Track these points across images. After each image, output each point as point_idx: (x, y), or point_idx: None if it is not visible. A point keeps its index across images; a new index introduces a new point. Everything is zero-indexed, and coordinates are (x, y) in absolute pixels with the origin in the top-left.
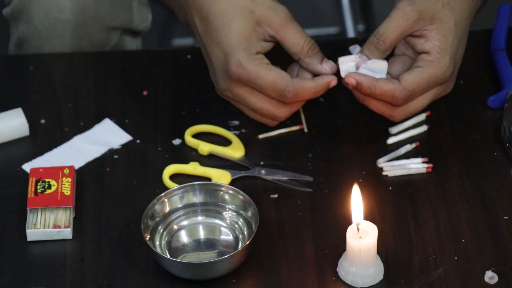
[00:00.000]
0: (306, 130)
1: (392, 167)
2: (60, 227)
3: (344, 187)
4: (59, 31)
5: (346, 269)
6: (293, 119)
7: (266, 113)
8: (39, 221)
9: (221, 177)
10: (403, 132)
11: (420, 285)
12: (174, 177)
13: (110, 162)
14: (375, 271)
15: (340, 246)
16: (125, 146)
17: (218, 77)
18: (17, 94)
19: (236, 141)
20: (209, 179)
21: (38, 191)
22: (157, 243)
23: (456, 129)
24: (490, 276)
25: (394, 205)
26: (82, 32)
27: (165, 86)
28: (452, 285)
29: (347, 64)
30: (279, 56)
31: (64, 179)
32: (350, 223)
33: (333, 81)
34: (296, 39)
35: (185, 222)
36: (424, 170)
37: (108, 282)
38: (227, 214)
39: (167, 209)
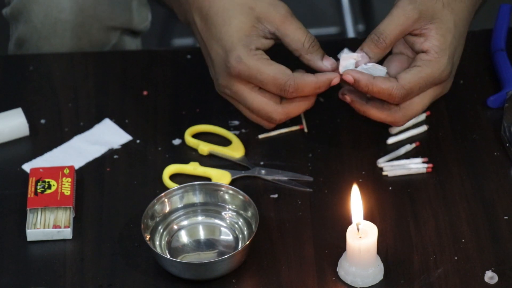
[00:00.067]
0: (306, 130)
1: (392, 167)
2: (60, 227)
3: (344, 187)
4: (58, 31)
5: (346, 269)
6: (293, 119)
7: (263, 114)
8: (39, 221)
9: (221, 177)
10: (403, 132)
11: (420, 285)
12: (174, 177)
13: (110, 162)
14: (375, 271)
15: (340, 246)
16: (125, 146)
17: (218, 74)
18: (17, 94)
19: (236, 141)
20: (209, 179)
21: (38, 191)
22: (157, 243)
23: (456, 129)
24: (490, 276)
25: (394, 205)
26: (81, 32)
27: (165, 86)
28: (452, 285)
29: (347, 61)
30: (279, 53)
31: (64, 179)
32: (350, 223)
33: (335, 79)
34: (297, 35)
35: (185, 222)
36: (424, 170)
37: (108, 282)
38: (227, 214)
39: (167, 209)
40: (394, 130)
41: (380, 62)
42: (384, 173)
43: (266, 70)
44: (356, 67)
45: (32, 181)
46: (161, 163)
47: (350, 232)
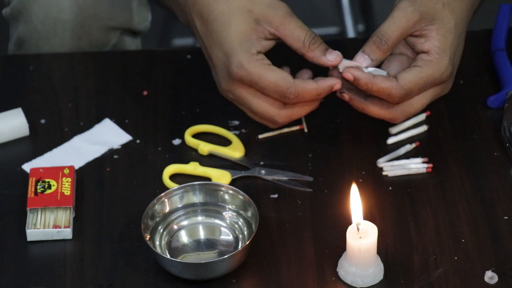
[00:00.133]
0: (306, 130)
1: (392, 167)
2: (60, 227)
3: (344, 187)
4: (58, 31)
5: (346, 269)
6: None
7: (266, 117)
8: (39, 221)
9: (221, 177)
10: (403, 132)
11: (420, 285)
12: (174, 177)
13: (110, 162)
14: (375, 271)
15: (340, 246)
16: (125, 146)
17: (221, 78)
18: (17, 94)
19: (236, 141)
20: (209, 179)
21: (38, 191)
22: (157, 243)
23: (456, 129)
24: (490, 276)
25: (394, 205)
26: (81, 32)
27: (165, 86)
28: (452, 285)
29: (347, 63)
30: (279, 54)
31: (64, 179)
32: (350, 223)
33: (337, 85)
34: (296, 34)
35: (185, 222)
36: (424, 170)
37: (108, 282)
38: (227, 214)
39: (167, 209)
40: (394, 130)
41: (381, 63)
42: (384, 173)
43: (268, 77)
44: None
45: (32, 181)
46: (161, 163)
47: (350, 232)
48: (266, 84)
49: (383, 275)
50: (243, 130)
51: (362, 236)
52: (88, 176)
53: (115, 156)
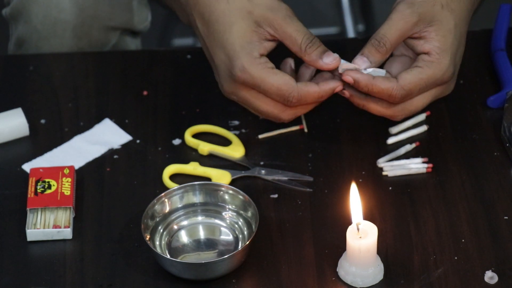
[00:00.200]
0: (306, 130)
1: (392, 167)
2: (60, 227)
3: (344, 187)
4: (58, 32)
5: (346, 269)
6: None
7: (271, 116)
8: (39, 221)
9: (221, 177)
10: (403, 132)
11: (420, 285)
12: (174, 177)
13: (110, 162)
14: (375, 271)
15: (340, 246)
16: (125, 146)
17: (223, 79)
18: (17, 94)
19: (236, 141)
20: (209, 179)
21: (38, 191)
22: (157, 243)
23: (456, 129)
24: (490, 276)
25: (394, 205)
26: (81, 32)
27: (165, 86)
28: (452, 285)
29: (346, 65)
30: (279, 55)
31: (64, 179)
32: (350, 223)
33: (338, 87)
34: (294, 37)
35: (185, 222)
36: (424, 170)
37: (108, 282)
38: (227, 214)
39: (167, 209)
40: (394, 130)
41: (381, 65)
42: (384, 173)
43: (270, 80)
44: None
45: (32, 181)
46: (161, 163)
47: (350, 232)
48: (269, 88)
49: (383, 275)
50: (243, 130)
51: (362, 236)
52: (88, 176)
53: (115, 156)
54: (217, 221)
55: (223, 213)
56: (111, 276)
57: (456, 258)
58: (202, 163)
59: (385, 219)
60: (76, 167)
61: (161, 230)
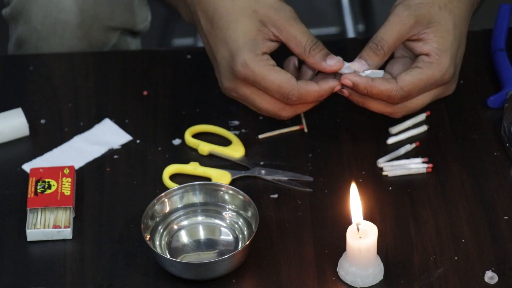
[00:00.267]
0: (306, 130)
1: (392, 167)
2: (60, 227)
3: (344, 187)
4: (58, 32)
5: (346, 269)
6: (293, 119)
7: (272, 113)
8: (39, 221)
9: (221, 177)
10: (403, 132)
11: (420, 285)
12: (174, 177)
13: (110, 162)
14: (375, 271)
15: (340, 246)
16: (125, 146)
17: (224, 77)
18: (17, 94)
19: (236, 141)
20: (209, 179)
21: (38, 191)
22: (157, 243)
23: (456, 129)
24: (490, 276)
25: (394, 205)
26: (81, 33)
27: (165, 86)
28: (452, 285)
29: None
30: (280, 55)
31: (64, 179)
32: (350, 223)
33: (337, 86)
34: (298, 39)
35: (185, 222)
36: (424, 170)
37: (108, 282)
38: (227, 214)
39: (167, 209)
40: (394, 130)
41: (382, 66)
42: (384, 173)
43: (271, 78)
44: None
45: (32, 181)
46: (161, 163)
47: (350, 232)
48: (269, 85)
49: (383, 275)
50: (243, 130)
51: (362, 236)
52: (88, 176)
53: (115, 156)
54: (217, 221)
55: (223, 213)
56: (111, 276)
57: (456, 258)
58: (202, 163)
59: (385, 219)
60: (76, 167)
61: (161, 230)
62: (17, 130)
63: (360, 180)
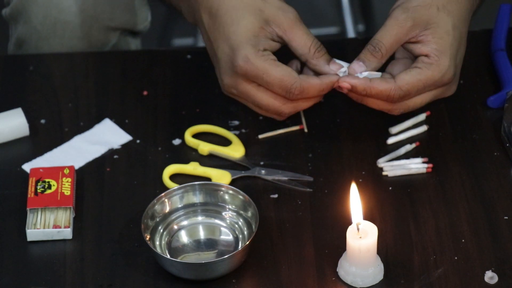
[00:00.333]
0: (306, 130)
1: (392, 167)
2: (60, 227)
3: (344, 187)
4: (58, 32)
5: (346, 269)
6: (293, 119)
7: (272, 110)
8: (39, 221)
9: (221, 177)
10: (403, 132)
11: (420, 285)
12: (174, 177)
13: (110, 162)
14: (375, 271)
15: (340, 246)
16: (125, 146)
17: (224, 73)
18: (17, 94)
19: (236, 141)
20: (209, 179)
21: (38, 191)
22: (157, 243)
23: (456, 129)
24: (490, 276)
25: (394, 205)
26: (81, 33)
27: (165, 86)
28: (452, 285)
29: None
30: (281, 54)
31: (64, 179)
32: (350, 223)
33: (339, 82)
34: (303, 41)
35: (185, 222)
36: (424, 170)
37: (108, 282)
38: (227, 214)
39: (167, 209)
40: (394, 130)
41: (383, 67)
42: (384, 173)
43: (273, 72)
44: None
45: (32, 181)
46: (161, 163)
47: (350, 232)
48: (271, 79)
49: (383, 275)
50: (243, 130)
51: (362, 236)
52: (88, 176)
53: (115, 156)
54: (217, 221)
55: (223, 213)
56: (111, 276)
57: (456, 258)
58: (202, 163)
59: (385, 219)
60: (76, 167)
61: (161, 230)
62: (17, 130)
63: (360, 180)
